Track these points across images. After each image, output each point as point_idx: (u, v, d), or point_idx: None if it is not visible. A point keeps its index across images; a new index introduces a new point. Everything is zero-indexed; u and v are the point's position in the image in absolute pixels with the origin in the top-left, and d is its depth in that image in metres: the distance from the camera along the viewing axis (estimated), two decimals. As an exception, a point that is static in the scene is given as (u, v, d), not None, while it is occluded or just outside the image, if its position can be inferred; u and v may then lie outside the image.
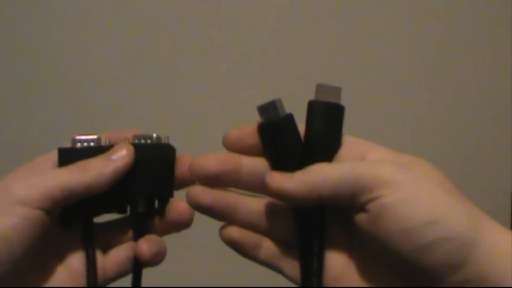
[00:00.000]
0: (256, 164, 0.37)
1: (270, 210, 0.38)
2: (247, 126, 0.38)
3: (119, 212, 0.40)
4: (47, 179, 0.36)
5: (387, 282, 0.36)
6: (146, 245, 0.38)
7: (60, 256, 0.39)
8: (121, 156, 0.38)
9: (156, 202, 0.40)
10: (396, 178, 0.34)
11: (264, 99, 0.37)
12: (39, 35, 0.83)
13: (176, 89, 0.86)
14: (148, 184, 0.38)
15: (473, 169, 0.92)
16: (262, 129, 0.37)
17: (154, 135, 0.39)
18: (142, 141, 0.38)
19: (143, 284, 0.42)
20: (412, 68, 0.90)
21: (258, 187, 0.37)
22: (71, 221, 0.39)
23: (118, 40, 0.84)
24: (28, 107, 0.84)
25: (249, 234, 0.38)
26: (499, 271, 0.33)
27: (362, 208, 0.34)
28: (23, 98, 0.83)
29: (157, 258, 0.39)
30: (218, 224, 0.39)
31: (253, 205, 0.38)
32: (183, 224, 0.40)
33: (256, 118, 0.38)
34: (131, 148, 0.38)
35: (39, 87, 0.84)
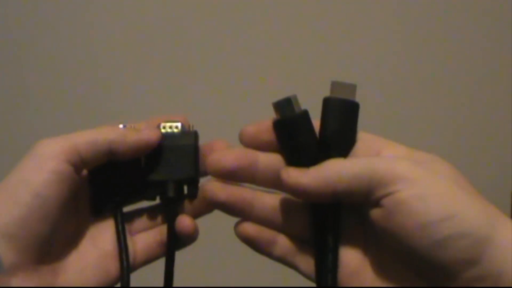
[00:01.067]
0: (272, 160, 0.38)
1: (286, 207, 0.38)
2: (263, 123, 0.38)
3: (148, 199, 0.41)
4: (72, 136, 0.37)
5: (402, 278, 0.36)
6: (188, 219, 0.39)
7: (92, 238, 0.39)
8: (148, 131, 0.39)
9: (185, 188, 0.40)
10: (411, 173, 0.34)
11: (278, 96, 0.37)
12: (39, 35, 0.83)
13: (189, 86, 0.86)
14: (175, 170, 0.39)
15: (473, 169, 0.92)
16: (278, 126, 0.37)
17: (179, 123, 0.40)
18: (169, 130, 0.39)
19: (143, 284, 0.42)
20: (412, 67, 0.90)
21: (273, 183, 0.38)
22: (102, 209, 0.40)
23: (122, 39, 0.84)
24: (28, 106, 0.83)
25: (264, 231, 0.38)
26: None
27: (377, 203, 0.35)
28: (23, 97, 0.83)
29: (195, 235, 0.39)
30: (224, 224, 0.39)
31: (269, 201, 0.38)
32: (207, 208, 0.40)
33: (270, 115, 0.38)
34: (158, 130, 0.39)
35: (40, 86, 0.84)
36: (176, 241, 0.40)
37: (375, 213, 0.35)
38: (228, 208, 0.38)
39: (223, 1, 0.85)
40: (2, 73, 0.83)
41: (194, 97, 0.86)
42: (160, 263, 0.40)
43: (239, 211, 0.38)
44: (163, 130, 0.40)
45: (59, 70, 0.84)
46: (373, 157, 0.36)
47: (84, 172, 0.39)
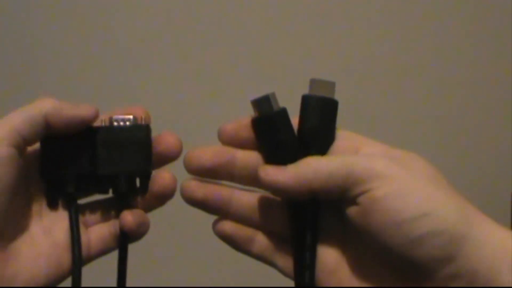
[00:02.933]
0: (250, 157, 0.38)
1: (264, 204, 0.38)
2: (242, 120, 0.38)
3: (101, 192, 0.41)
4: (9, 118, 0.37)
5: (380, 277, 0.36)
6: (130, 215, 0.39)
7: (46, 227, 0.39)
8: (85, 106, 0.38)
9: (138, 181, 0.40)
10: (387, 171, 0.34)
11: (257, 93, 0.37)
12: (39, 35, 0.84)
13: (170, 84, 0.86)
14: (126, 164, 0.39)
15: (473, 169, 0.92)
16: (256, 123, 0.37)
17: (131, 116, 0.39)
18: (121, 123, 0.39)
19: (144, 284, 0.42)
20: (411, 66, 0.90)
21: (252, 180, 0.38)
22: (57, 201, 0.40)
23: (118, 39, 0.85)
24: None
25: (242, 228, 0.38)
26: (490, 265, 0.33)
27: (353, 201, 0.35)
28: (23, 97, 0.84)
29: (140, 229, 0.39)
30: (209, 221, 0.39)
31: (247, 199, 0.38)
32: (167, 195, 0.39)
33: (249, 113, 0.38)
34: (95, 108, 0.38)
35: (38, 85, 0.84)
36: (127, 235, 0.39)
37: (352, 210, 0.35)
38: (206, 206, 0.38)
39: (201, 4, 0.85)
40: (3, 73, 0.84)
41: (173, 95, 0.86)
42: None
43: (217, 209, 0.38)
44: (115, 123, 0.39)
45: (59, 70, 0.85)
46: (350, 155, 0.36)
47: (32, 151, 0.39)
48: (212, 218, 0.39)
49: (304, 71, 0.80)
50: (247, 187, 0.39)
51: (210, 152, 0.37)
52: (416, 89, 0.90)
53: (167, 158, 0.39)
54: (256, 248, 0.38)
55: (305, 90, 0.38)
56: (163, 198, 0.39)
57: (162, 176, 0.39)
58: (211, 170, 0.37)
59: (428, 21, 0.89)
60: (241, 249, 0.39)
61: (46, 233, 0.39)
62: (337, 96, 0.38)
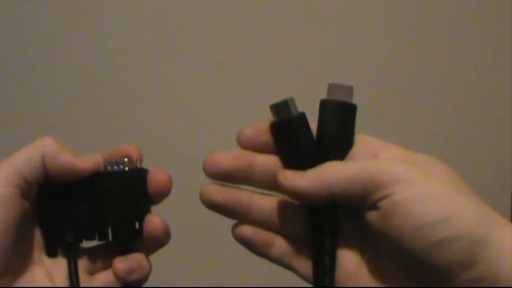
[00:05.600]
0: (269, 162, 0.38)
1: (283, 209, 0.38)
2: (261, 124, 0.38)
3: (101, 239, 0.40)
4: (11, 159, 0.36)
5: (399, 280, 0.36)
6: (120, 263, 0.38)
7: (49, 273, 0.38)
8: (84, 158, 0.37)
9: (137, 223, 0.39)
10: (408, 175, 0.34)
11: (275, 98, 0.37)
12: (39, 34, 0.83)
13: (185, 87, 0.86)
14: (125, 210, 0.38)
15: (473, 169, 0.92)
16: (275, 128, 0.37)
17: (126, 159, 0.38)
18: (115, 167, 0.38)
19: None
20: (413, 67, 0.90)
21: (271, 184, 0.38)
22: (56, 250, 0.39)
23: (120, 40, 0.84)
24: (27, 108, 0.83)
25: (262, 232, 0.38)
26: (511, 269, 0.33)
27: (373, 206, 0.35)
28: (22, 98, 0.83)
29: (132, 276, 0.38)
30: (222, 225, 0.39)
31: (266, 203, 0.38)
32: (157, 240, 0.38)
33: (267, 117, 0.38)
34: (94, 161, 0.38)
35: (37, 87, 0.84)
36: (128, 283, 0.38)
37: (372, 215, 0.35)
38: (225, 210, 0.38)
39: (218, 3, 0.85)
40: (4, 74, 0.83)
41: (192, 100, 0.85)
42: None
43: (236, 213, 0.38)
44: (109, 168, 0.38)
45: (59, 71, 0.84)
46: (370, 160, 0.36)
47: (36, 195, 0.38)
48: (226, 220, 0.39)
49: (323, 75, 0.81)
50: (266, 191, 0.39)
51: (230, 156, 0.37)
52: (417, 92, 0.91)
53: (160, 197, 0.39)
54: (275, 252, 0.38)
55: (324, 94, 0.38)
56: (157, 242, 0.39)
57: (150, 221, 0.38)
58: (230, 174, 0.37)
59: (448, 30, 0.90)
60: (260, 253, 0.38)
61: (50, 277, 0.38)
62: (356, 99, 0.38)
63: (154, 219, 0.38)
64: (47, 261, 0.39)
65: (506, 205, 0.92)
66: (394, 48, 0.89)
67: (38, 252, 0.39)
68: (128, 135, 0.83)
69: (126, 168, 0.38)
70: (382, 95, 0.89)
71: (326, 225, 0.37)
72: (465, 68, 0.91)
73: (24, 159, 0.36)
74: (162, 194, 0.39)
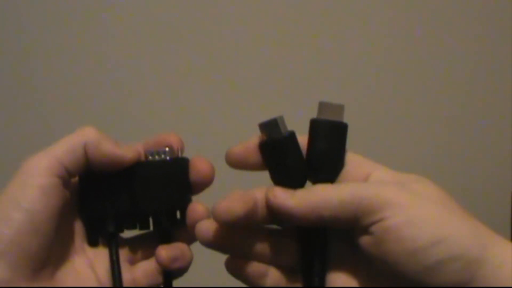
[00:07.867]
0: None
1: (275, 242, 0.38)
2: (249, 143, 0.37)
3: (142, 229, 0.40)
4: (53, 148, 0.37)
5: None
6: (164, 250, 0.38)
7: (90, 260, 0.39)
8: (126, 147, 0.38)
9: (178, 213, 0.40)
10: (398, 199, 0.34)
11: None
12: (39, 34, 0.83)
13: (185, 87, 0.85)
14: (167, 199, 0.38)
15: (473, 170, 0.92)
16: (264, 147, 0.37)
17: (167, 149, 0.38)
18: (156, 157, 0.38)
19: None
20: (412, 69, 0.90)
21: (273, 218, 0.37)
22: (97, 239, 0.39)
23: (120, 40, 0.84)
24: (28, 108, 0.83)
25: (255, 265, 0.37)
26: (509, 285, 0.33)
27: (365, 230, 0.34)
28: (22, 99, 0.83)
29: (176, 264, 0.38)
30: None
31: (258, 236, 0.38)
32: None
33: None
34: (135, 151, 0.38)
35: (38, 87, 0.84)
36: (170, 272, 0.39)
37: (364, 240, 0.35)
38: (221, 248, 0.37)
39: (216, 12, 0.84)
40: (4, 74, 0.83)
41: (192, 100, 0.85)
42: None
43: (230, 250, 0.37)
44: (150, 157, 0.38)
45: (60, 71, 0.84)
46: (360, 183, 0.36)
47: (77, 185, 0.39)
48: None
49: (314, 91, 0.79)
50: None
51: (239, 201, 0.35)
52: (417, 92, 0.90)
53: (203, 186, 0.39)
54: (269, 283, 0.38)
55: (315, 111, 0.37)
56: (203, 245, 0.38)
57: (193, 209, 0.38)
58: (243, 218, 0.35)
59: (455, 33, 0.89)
60: (255, 284, 0.38)
61: (91, 265, 0.38)
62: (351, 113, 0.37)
63: (198, 207, 0.38)
64: (89, 250, 0.39)
65: (506, 205, 0.92)
66: (394, 49, 0.89)
67: (80, 242, 0.39)
68: (128, 135, 0.82)
69: (168, 158, 0.38)
70: (382, 95, 0.89)
71: (316, 247, 0.37)
72: (465, 68, 0.91)
73: (66, 149, 0.36)
74: (205, 183, 0.39)
